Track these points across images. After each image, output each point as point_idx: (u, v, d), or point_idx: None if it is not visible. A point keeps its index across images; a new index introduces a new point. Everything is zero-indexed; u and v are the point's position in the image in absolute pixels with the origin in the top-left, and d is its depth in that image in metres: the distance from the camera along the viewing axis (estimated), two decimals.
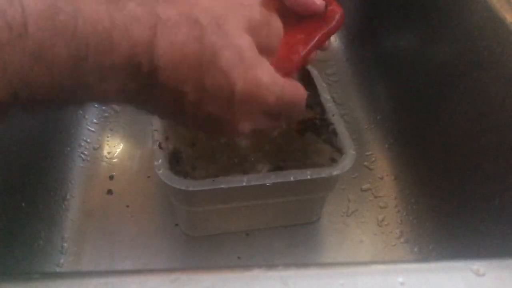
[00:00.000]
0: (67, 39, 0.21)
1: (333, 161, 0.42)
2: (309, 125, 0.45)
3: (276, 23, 0.30)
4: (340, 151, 0.42)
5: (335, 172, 0.40)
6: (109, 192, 0.52)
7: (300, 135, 0.45)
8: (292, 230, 0.49)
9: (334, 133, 0.44)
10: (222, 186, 0.39)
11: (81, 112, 0.58)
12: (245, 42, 0.27)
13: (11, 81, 0.20)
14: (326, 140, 0.44)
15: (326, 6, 0.34)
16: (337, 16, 0.35)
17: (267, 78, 0.28)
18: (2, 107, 0.21)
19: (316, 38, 0.34)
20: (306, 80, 0.47)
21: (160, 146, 0.41)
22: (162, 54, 0.24)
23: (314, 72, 0.49)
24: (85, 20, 0.22)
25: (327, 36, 0.35)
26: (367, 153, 0.57)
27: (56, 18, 0.21)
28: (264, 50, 0.28)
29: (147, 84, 0.25)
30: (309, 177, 0.40)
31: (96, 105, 0.60)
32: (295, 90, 0.31)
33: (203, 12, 0.25)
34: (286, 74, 0.30)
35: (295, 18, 0.34)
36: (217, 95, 0.27)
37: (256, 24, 0.28)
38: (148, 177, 0.53)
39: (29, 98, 0.22)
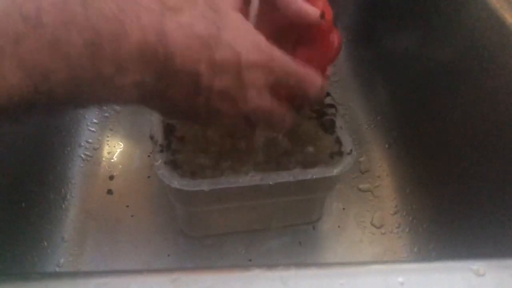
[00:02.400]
0: (79, 27, 0.22)
1: (333, 161, 0.42)
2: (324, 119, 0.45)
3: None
4: (340, 151, 0.42)
5: (335, 172, 0.40)
6: (109, 192, 0.52)
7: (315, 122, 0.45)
8: (292, 230, 0.49)
9: (335, 134, 0.44)
10: (222, 186, 0.39)
11: (81, 112, 0.58)
12: (239, 16, 0.28)
13: (31, 75, 0.21)
14: (327, 140, 0.44)
15: (323, 15, 0.32)
16: (336, 45, 0.34)
17: (265, 43, 0.29)
18: (23, 104, 0.21)
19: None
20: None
21: (160, 146, 0.41)
22: (174, 39, 0.25)
23: None
24: (95, 8, 0.22)
25: (326, 65, 0.35)
26: (367, 153, 0.57)
27: (66, 7, 0.21)
28: None
29: (164, 73, 0.26)
30: (309, 177, 0.40)
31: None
32: (305, 69, 0.31)
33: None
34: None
35: (292, 44, 0.34)
36: (227, 69, 0.28)
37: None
38: (148, 177, 0.53)
39: (49, 94, 0.22)
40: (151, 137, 0.41)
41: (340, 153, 0.42)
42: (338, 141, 0.43)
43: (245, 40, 0.28)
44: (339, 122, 0.44)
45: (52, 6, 0.21)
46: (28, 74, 0.21)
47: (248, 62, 0.28)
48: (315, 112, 0.45)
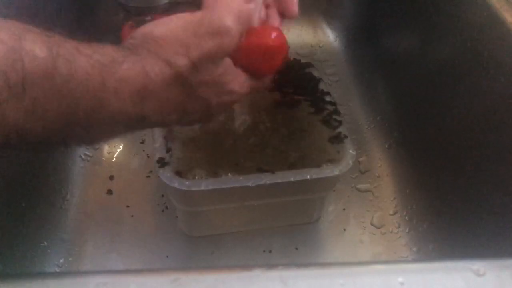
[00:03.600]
0: (60, 98, 0.24)
1: (333, 161, 0.42)
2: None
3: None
4: (340, 151, 0.42)
5: (335, 172, 0.40)
6: (109, 192, 0.52)
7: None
8: (292, 230, 0.49)
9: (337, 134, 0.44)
10: (222, 186, 0.39)
11: None
12: (218, 72, 0.31)
13: (5, 131, 0.23)
14: (328, 140, 0.44)
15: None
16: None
17: (237, 87, 0.33)
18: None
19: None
20: (309, 82, 0.47)
21: (160, 147, 0.41)
22: (149, 106, 0.28)
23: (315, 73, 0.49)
24: (78, 83, 0.24)
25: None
26: (367, 153, 0.57)
27: (52, 80, 0.23)
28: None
29: (135, 124, 0.29)
30: (309, 177, 0.40)
31: None
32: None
33: (179, 55, 0.29)
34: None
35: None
36: (194, 116, 0.32)
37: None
38: (148, 177, 0.53)
39: (19, 142, 0.24)
40: (160, 147, 0.41)
41: (340, 154, 0.42)
42: (339, 141, 0.43)
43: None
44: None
45: (38, 77, 0.22)
46: (2, 130, 0.22)
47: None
48: (313, 106, 0.45)
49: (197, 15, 0.30)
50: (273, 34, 0.34)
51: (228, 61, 0.32)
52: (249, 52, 0.33)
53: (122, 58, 0.26)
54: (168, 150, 0.41)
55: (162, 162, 0.39)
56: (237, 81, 0.33)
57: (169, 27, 0.29)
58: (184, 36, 0.29)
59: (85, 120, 0.25)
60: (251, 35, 0.32)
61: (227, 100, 0.33)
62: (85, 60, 0.25)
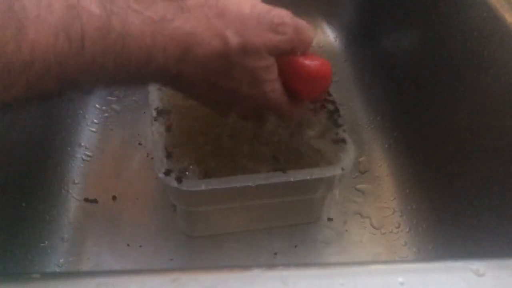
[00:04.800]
0: (115, 55, 0.25)
1: (333, 161, 0.42)
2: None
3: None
4: (340, 151, 0.42)
5: (335, 173, 0.40)
6: (109, 192, 0.52)
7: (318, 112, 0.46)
8: (292, 230, 0.49)
9: (337, 133, 0.44)
10: (222, 186, 0.39)
11: (81, 112, 0.58)
12: (262, 65, 0.31)
13: (64, 85, 0.24)
14: (328, 140, 0.44)
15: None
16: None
17: (269, 89, 0.33)
18: (43, 95, 0.24)
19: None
20: None
21: (160, 146, 0.41)
22: (187, 67, 0.28)
23: None
24: (132, 39, 0.25)
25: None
26: (367, 153, 0.57)
27: (108, 36, 0.24)
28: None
29: (167, 81, 0.31)
30: (309, 177, 0.40)
31: (96, 105, 0.60)
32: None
33: (235, 33, 0.29)
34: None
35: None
36: (222, 94, 0.32)
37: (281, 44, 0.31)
38: (148, 177, 0.53)
39: (73, 92, 0.25)
40: (160, 146, 0.41)
41: (340, 154, 0.42)
42: (339, 141, 0.43)
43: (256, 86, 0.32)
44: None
45: (95, 33, 0.23)
46: (60, 81, 0.23)
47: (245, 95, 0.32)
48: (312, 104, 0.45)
49: (266, 5, 0.30)
50: (324, 64, 0.34)
51: (273, 60, 0.32)
52: (296, 69, 0.33)
53: (172, 16, 0.27)
54: (169, 150, 0.41)
55: (162, 162, 0.39)
56: (273, 84, 0.33)
57: (237, 1, 0.29)
58: (249, 17, 0.29)
59: (133, 74, 0.26)
60: (304, 57, 0.33)
61: (254, 97, 0.33)
62: (137, 17, 0.25)
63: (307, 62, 0.34)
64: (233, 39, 0.28)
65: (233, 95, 0.32)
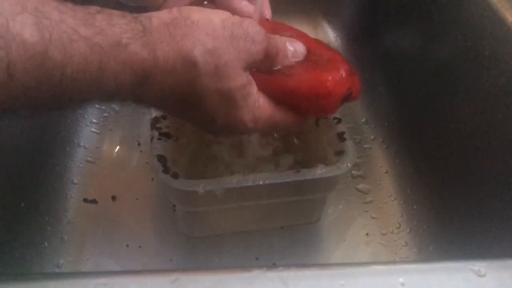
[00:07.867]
0: (52, 85, 0.22)
1: (333, 161, 0.42)
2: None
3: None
4: (340, 151, 0.42)
5: (335, 173, 0.40)
6: (109, 192, 0.51)
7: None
8: (292, 230, 0.49)
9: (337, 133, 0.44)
10: (222, 186, 0.38)
11: (81, 112, 0.58)
12: (237, 84, 0.28)
13: None
14: (328, 140, 0.44)
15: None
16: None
17: (248, 118, 0.30)
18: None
19: None
20: None
21: (159, 146, 0.41)
22: (147, 93, 0.26)
23: None
24: (74, 69, 0.23)
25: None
26: (367, 153, 0.57)
27: (44, 65, 0.22)
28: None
29: (131, 102, 0.27)
30: (309, 177, 0.40)
31: (96, 105, 0.60)
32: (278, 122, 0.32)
33: (205, 52, 0.26)
34: None
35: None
36: (197, 123, 0.30)
37: (256, 59, 0.29)
38: (148, 177, 0.53)
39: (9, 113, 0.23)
40: (159, 146, 0.41)
41: (340, 154, 0.42)
42: (339, 141, 0.43)
43: (228, 112, 0.29)
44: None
45: (27, 62, 0.21)
46: None
47: (222, 127, 0.30)
48: None
49: (237, 16, 0.28)
50: (323, 76, 0.29)
51: (249, 78, 0.29)
52: (279, 88, 0.30)
53: (128, 40, 0.24)
54: (168, 150, 0.41)
55: (162, 162, 0.39)
56: (252, 111, 0.29)
57: (209, 17, 0.27)
58: (221, 33, 0.26)
59: (78, 101, 0.24)
60: (313, 66, 0.30)
61: (235, 128, 0.30)
62: (83, 43, 0.23)
63: (290, 80, 0.29)
64: (202, 60, 0.26)
65: (210, 126, 0.30)
